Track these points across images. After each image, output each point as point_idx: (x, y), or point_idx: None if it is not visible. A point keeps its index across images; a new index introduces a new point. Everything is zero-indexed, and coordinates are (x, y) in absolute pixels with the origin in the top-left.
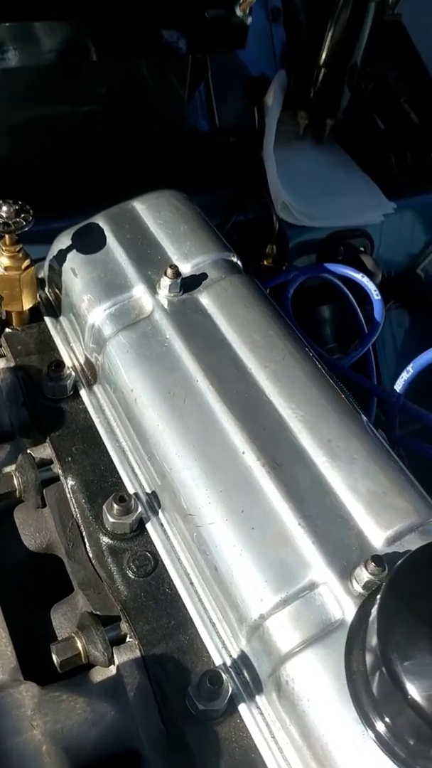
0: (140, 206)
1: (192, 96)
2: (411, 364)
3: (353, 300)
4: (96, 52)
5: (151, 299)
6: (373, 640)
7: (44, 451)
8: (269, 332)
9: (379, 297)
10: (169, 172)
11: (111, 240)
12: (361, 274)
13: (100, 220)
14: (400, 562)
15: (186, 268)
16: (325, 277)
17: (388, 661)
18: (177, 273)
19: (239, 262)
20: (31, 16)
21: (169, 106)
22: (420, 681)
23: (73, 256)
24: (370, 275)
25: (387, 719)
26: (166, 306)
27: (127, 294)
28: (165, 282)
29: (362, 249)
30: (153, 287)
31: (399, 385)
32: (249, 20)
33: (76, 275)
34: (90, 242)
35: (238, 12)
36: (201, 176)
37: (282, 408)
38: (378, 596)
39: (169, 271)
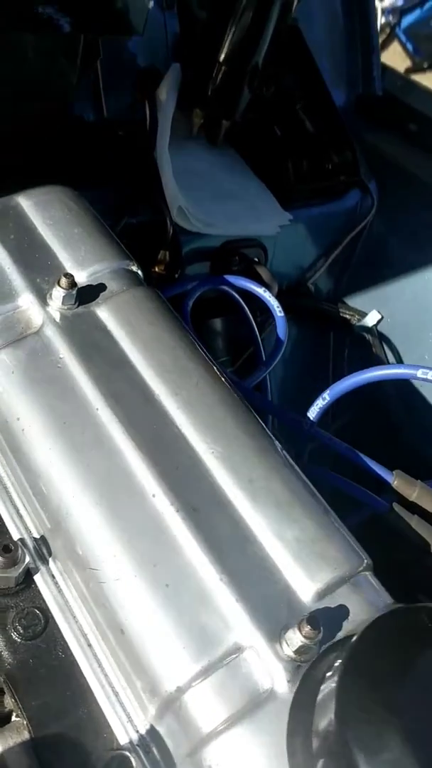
0: (26, 202)
1: (80, 81)
2: (327, 391)
3: (249, 314)
4: None
5: (40, 311)
6: (328, 727)
7: None
8: (178, 353)
9: (282, 314)
10: (50, 163)
11: None
12: (263, 289)
13: None
14: (354, 640)
15: (81, 277)
16: (221, 289)
17: (352, 757)
18: (72, 283)
19: (140, 272)
20: None
21: (55, 87)
22: None
23: None
24: (267, 288)
25: None
26: (58, 319)
27: (11, 304)
28: (57, 292)
29: (256, 259)
30: (43, 297)
31: (313, 413)
32: (151, 4)
33: None
34: None
35: None
36: (85, 171)
37: (196, 443)
38: (329, 675)
39: (63, 280)
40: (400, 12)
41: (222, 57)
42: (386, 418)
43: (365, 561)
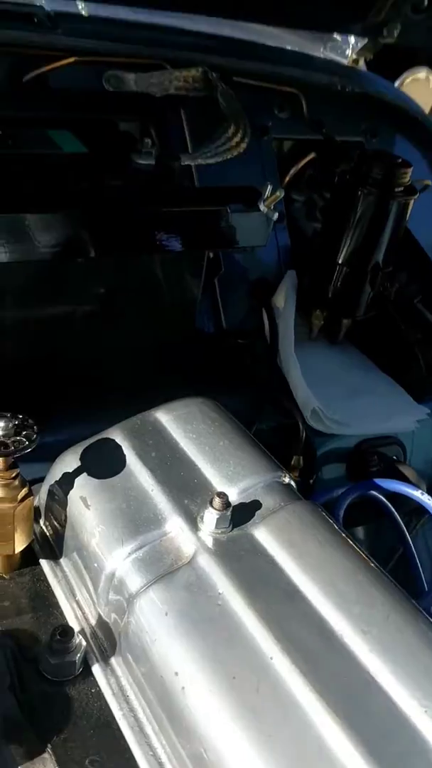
0: (165, 417)
1: (203, 295)
2: None
3: (399, 519)
4: (95, 248)
5: (191, 537)
6: None
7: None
8: (357, 578)
9: None
10: (176, 375)
11: (132, 459)
12: (420, 491)
13: (116, 434)
14: None
15: (232, 495)
16: (369, 494)
17: None
18: (226, 503)
19: (293, 484)
20: (26, 208)
21: (180, 305)
22: None
23: (82, 482)
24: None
25: None
26: (212, 546)
27: (158, 531)
28: (210, 515)
29: (395, 458)
30: (193, 521)
31: None
32: (275, 216)
33: (88, 506)
34: (104, 463)
35: (263, 208)
36: (209, 380)
37: (404, 701)
38: None
39: (217, 501)
40: None
41: (341, 259)
42: None
43: None
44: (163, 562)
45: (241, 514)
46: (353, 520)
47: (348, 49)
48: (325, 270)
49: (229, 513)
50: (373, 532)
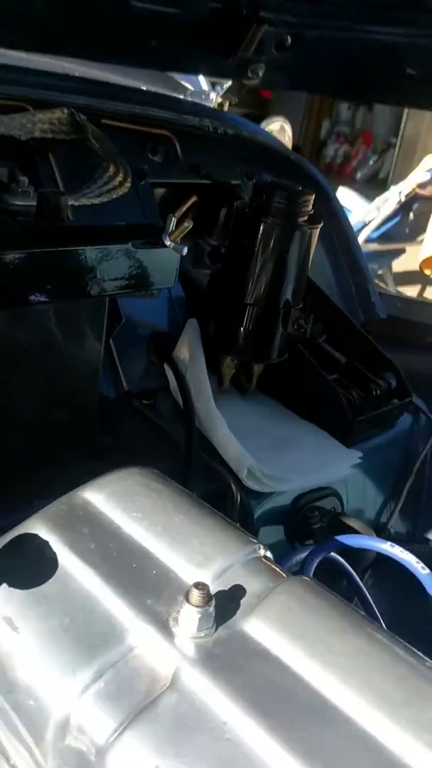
0: (98, 496)
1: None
2: None
3: (357, 577)
4: None
5: (167, 649)
6: None
7: None
8: (397, 670)
9: (428, 570)
10: (83, 446)
11: (66, 557)
12: (390, 543)
13: (39, 526)
14: None
15: (207, 576)
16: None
17: None
18: (208, 595)
19: (271, 555)
20: None
21: (82, 363)
22: None
23: (3, 597)
24: None
25: None
26: (196, 656)
27: (120, 648)
28: (188, 614)
29: (334, 509)
30: (165, 626)
31: None
32: (184, 251)
33: (16, 629)
34: (29, 566)
35: (169, 243)
36: (114, 449)
37: None
38: None
39: (195, 594)
40: None
41: (251, 299)
42: None
43: None
44: (135, 690)
45: (224, 607)
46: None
47: (211, 93)
48: (233, 313)
49: (212, 608)
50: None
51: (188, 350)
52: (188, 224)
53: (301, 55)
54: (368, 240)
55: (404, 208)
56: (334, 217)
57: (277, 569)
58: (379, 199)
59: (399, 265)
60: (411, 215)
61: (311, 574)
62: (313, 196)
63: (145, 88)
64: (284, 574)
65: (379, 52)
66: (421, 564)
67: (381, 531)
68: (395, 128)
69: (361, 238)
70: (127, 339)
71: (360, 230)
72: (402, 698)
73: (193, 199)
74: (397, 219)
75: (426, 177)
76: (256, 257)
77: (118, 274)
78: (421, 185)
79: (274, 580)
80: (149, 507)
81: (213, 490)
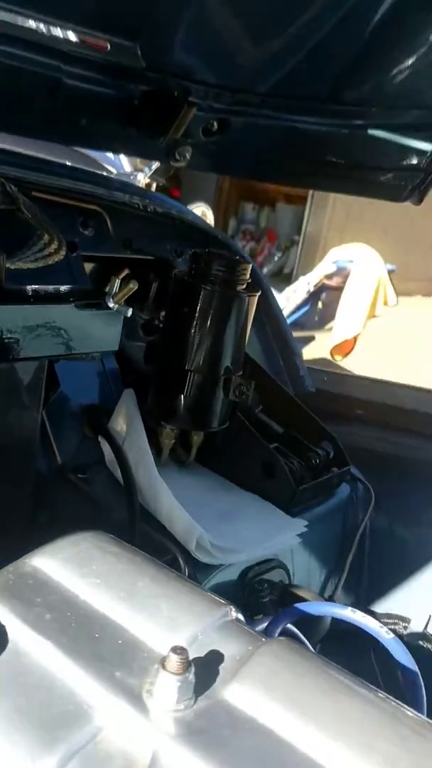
0: (49, 562)
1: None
2: None
3: (309, 645)
4: None
5: (141, 726)
6: None
7: None
8: (400, 730)
9: (392, 635)
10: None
11: (17, 629)
12: (351, 609)
13: None
14: None
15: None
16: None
17: None
18: (187, 661)
19: (242, 618)
20: None
21: (18, 430)
22: None
23: None
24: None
25: None
26: (176, 732)
27: (86, 730)
28: (166, 683)
29: (281, 581)
30: (137, 700)
31: None
32: (128, 313)
33: None
34: None
35: (112, 305)
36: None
37: None
38: None
39: (173, 660)
40: None
41: (191, 366)
42: None
43: None
44: None
45: (201, 675)
46: None
47: (139, 174)
48: (173, 380)
49: (191, 676)
50: None
51: (125, 421)
52: (133, 285)
53: (226, 140)
54: None
55: (313, 297)
56: (261, 294)
57: (252, 632)
58: (288, 290)
59: (309, 351)
60: (320, 304)
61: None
62: (251, 266)
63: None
64: (261, 638)
65: (302, 140)
66: (385, 629)
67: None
68: (298, 226)
69: None
70: (59, 412)
71: None
72: (409, 761)
73: (126, 271)
74: (306, 308)
75: (332, 268)
76: (196, 324)
77: (60, 336)
78: (328, 276)
79: (253, 642)
80: (108, 572)
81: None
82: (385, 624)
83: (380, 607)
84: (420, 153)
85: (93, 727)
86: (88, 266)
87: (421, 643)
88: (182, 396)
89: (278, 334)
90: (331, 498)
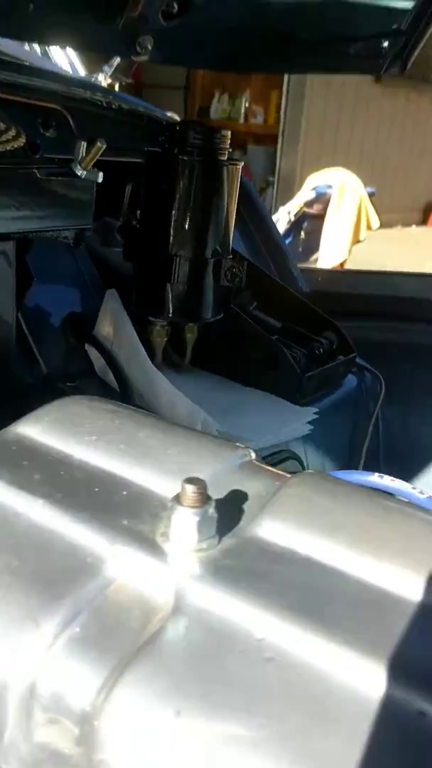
0: (35, 427)
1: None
2: None
3: None
4: None
5: (161, 569)
6: None
7: None
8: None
9: (426, 494)
10: None
11: (6, 493)
12: (378, 475)
13: None
14: None
15: None
16: None
17: None
18: (205, 493)
19: (253, 454)
20: None
21: None
22: None
23: None
24: None
25: None
26: (201, 570)
27: (94, 582)
28: (183, 519)
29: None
30: (152, 546)
31: None
32: (99, 177)
33: None
34: None
35: (79, 171)
36: None
37: None
38: None
39: (189, 492)
40: None
41: (175, 250)
42: None
43: None
44: (124, 629)
45: (223, 515)
46: None
47: (99, 75)
48: (158, 268)
49: (212, 509)
50: None
51: (111, 323)
52: (101, 144)
53: (188, 24)
54: None
55: (294, 228)
56: (245, 197)
57: (277, 471)
58: None
59: None
60: (302, 234)
61: None
62: (230, 133)
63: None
64: (287, 474)
65: (271, 15)
66: (418, 489)
67: None
68: (271, 167)
69: None
70: (38, 321)
71: None
72: None
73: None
74: (289, 239)
75: (311, 195)
76: (177, 200)
77: (25, 209)
78: (308, 203)
79: (278, 479)
80: (104, 428)
81: None
82: None
83: None
84: (399, 13)
85: (102, 578)
86: None
87: None
88: (169, 285)
89: (267, 237)
90: (340, 389)
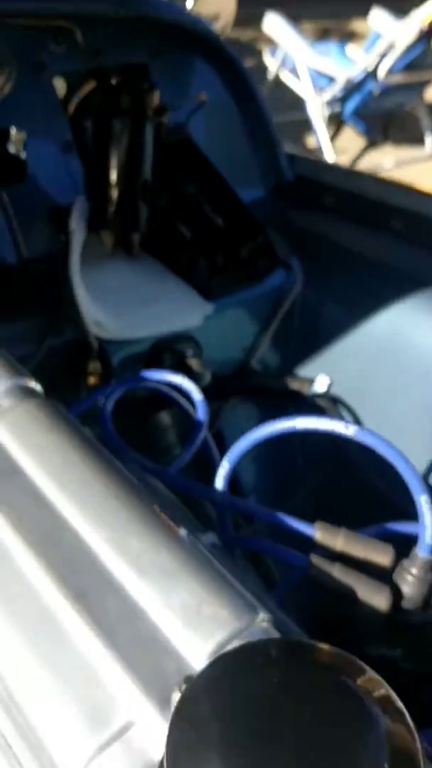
0: None
1: None
2: (225, 458)
3: (182, 402)
4: None
5: None
6: None
7: None
8: (69, 455)
9: (201, 397)
10: None
11: None
12: (180, 376)
13: None
14: (185, 687)
15: None
16: (151, 386)
17: None
18: None
19: (38, 387)
20: None
21: None
22: None
23: None
24: (197, 376)
25: None
26: None
27: None
28: None
29: (189, 353)
30: None
31: (220, 483)
32: (23, 155)
33: None
34: None
35: (12, 149)
36: (10, 308)
37: (85, 532)
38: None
39: None
40: (341, 101)
41: (113, 180)
42: (357, 478)
43: (260, 614)
44: None
45: None
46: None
47: None
48: (103, 192)
49: None
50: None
51: (74, 223)
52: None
53: None
54: (392, 71)
55: (427, 36)
56: (243, 89)
57: (38, 395)
58: (398, 28)
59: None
60: None
61: (109, 405)
62: (158, 91)
63: None
64: (37, 399)
65: None
66: (197, 391)
67: (246, 367)
68: None
69: (382, 71)
70: (30, 210)
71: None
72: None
73: (91, 84)
74: (419, 49)
75: None
76: (114, 146)
77: None
78: None
79: (26, 399)
80: None
81: (77, 339)
82: (292, 386)
83: (299, 371)
84: None
85: None
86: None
87: (318, 401)
88: (109, 205)
89: (261, 126)
90: (258, 285)
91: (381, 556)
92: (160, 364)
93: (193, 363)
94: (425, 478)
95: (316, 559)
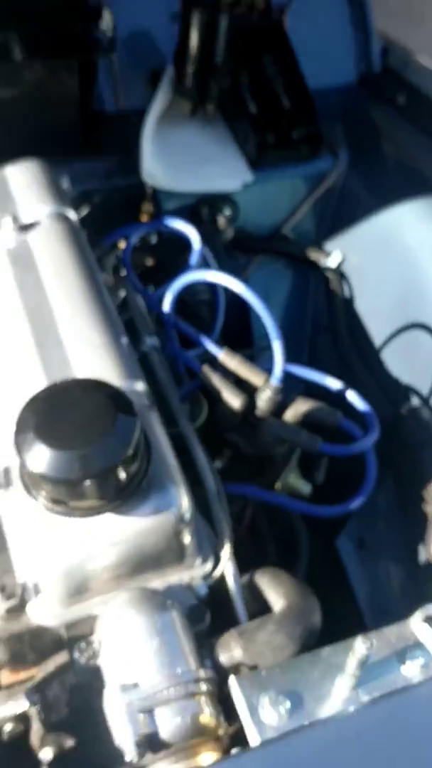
0: (7, 172)
1: (90, 89)
2: (169, 289)
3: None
4: None
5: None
6: None
7: None
8: (71, 267)
9: (199, 246)
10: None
11: None
12: (187, 225)
13: None
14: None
15: (27, 218)
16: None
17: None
18: (15, 219)
19: (72, 215)
20: None
21: (60, 104)
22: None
23: None
24: (219, 233)
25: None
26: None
27: None
28: (5, 224)
29: (227, 212)
30: None
31: (166, 307)
32: (109, 34)
33: None
34: None
35: (103, 27)
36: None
37: (60, 316)
38: None
39: (6, 219)
40: None
41: (190, 59)
42: None
43: (140, 382)
44: None
45: (27, 229)
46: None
47: None
48: (183, 67)
49: (17, 226)
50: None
51: (163, 86)
52: None
53: None
54: None
55: None
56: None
57: (70, 221)
58: None
59: None
60: None
61: (131, 245)
62: None
63: None
64: (65, 224)
65: None
66: (197, 240)
67: (276, 232)
68: None
69: None
70: (132, 67)
71: None
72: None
73: None
74: None
75: None
76: (191, 30)
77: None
78: None
79: (58, 223)
80: (23, 182)
81: (136, 184)
82: (310, 256)
83: (323, 245)
84: None
85: None
86: None
87: (328, 275)
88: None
89: (359, 12)
90: (303, 165)
91: (255, 377)
92: (198, 218)
93: (220, 220)
94: (395, 345)
95: (206, 369)
